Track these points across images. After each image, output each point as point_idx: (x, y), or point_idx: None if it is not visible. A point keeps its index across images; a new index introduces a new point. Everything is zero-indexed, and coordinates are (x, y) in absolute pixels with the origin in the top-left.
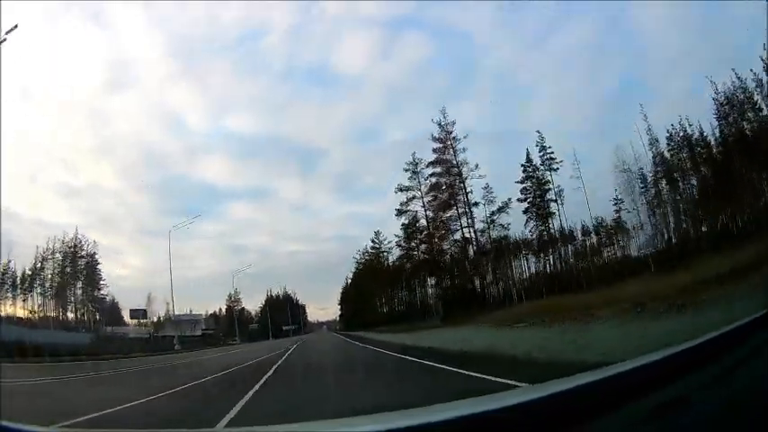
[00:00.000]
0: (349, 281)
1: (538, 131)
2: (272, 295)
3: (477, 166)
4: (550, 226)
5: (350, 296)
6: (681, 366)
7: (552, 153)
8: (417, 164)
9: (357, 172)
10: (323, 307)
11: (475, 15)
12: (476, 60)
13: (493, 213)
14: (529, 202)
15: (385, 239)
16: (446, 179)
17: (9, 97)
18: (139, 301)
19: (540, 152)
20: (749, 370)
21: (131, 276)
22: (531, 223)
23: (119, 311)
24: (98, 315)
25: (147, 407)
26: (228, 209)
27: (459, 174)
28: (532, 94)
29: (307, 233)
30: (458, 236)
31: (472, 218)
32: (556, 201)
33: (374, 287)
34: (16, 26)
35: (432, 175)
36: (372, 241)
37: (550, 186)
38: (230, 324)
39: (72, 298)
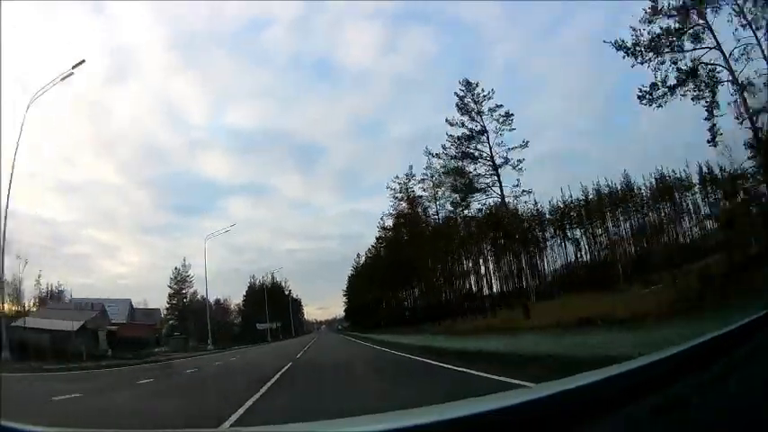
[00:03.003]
0: (361, 262)
1: None
2: (254, 283)
3: None
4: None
5: (363, 284)
6: (681, 367)
7: None
8: None
9: (360, 168)
10: (322, 306)
11: (481, 8)
12: (482, 54)
13: None
14: None
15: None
16: None
17: (9, 91)
18: (137, 297)
19: None
20: (749, 371)
21: (131, 274)
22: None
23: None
24: None
25: None
26: (227, 205)
27: None
28: (541, 86)
29: (306, 230)
30: None
31: None
32: None
33: (425, 254)
34: (83, 61)
35: None
36: (450, 124)
37: None
38: (195, 320)
39: None
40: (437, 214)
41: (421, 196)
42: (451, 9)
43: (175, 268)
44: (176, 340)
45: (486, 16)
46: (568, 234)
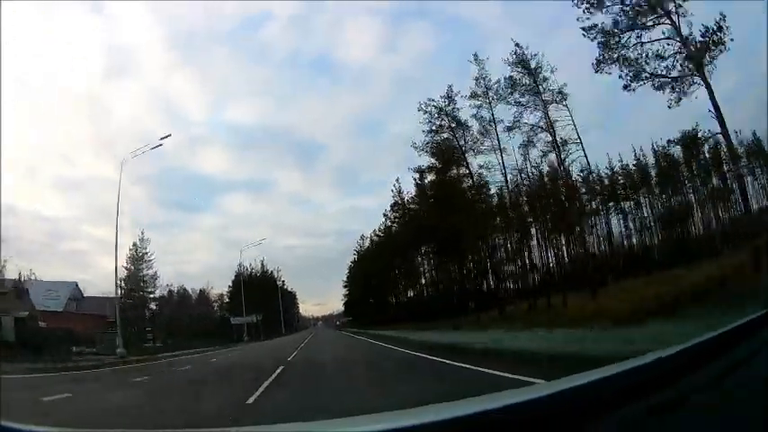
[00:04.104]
0: (365, 245)
1: None
2: (242, 271)
3: None
4: None
5: (370, 266)
6: (681, 366)
7: None
8: None
9: (359, 165)
10: (319, 302)
11: (481, 7)
12: (482, 53)
13: None
14: None
15: None
16: None
17: (7, 89)
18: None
19: None
20: (749, 370)
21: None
22: None
23: None
24: None
25: None
26: (225, 201)
27: None
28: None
29: (306, 227)
30: None
31: None
32: None
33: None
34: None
35: None
36: None
37: None
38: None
39: None
40: (498, 137)
41: (474, 116)
42: (451, 9)
43: (133, 244)
44: (111, 337)
45: (486, 15)
46: (615, 206)
